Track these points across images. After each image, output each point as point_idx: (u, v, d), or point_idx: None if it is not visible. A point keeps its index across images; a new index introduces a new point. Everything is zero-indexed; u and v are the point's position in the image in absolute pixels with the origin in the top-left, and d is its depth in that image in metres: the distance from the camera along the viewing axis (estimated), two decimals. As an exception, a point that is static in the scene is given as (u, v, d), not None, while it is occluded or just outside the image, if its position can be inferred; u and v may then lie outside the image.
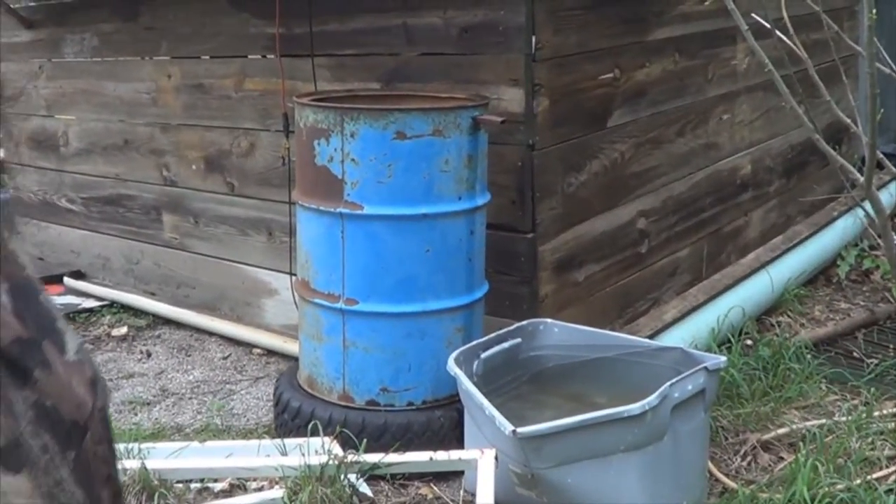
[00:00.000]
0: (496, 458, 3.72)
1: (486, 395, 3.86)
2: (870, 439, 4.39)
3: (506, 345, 4.30)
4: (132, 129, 6.22)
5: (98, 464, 0.99)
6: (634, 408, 3.55)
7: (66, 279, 6.69)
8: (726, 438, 4.55)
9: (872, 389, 4.92)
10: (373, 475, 3.98)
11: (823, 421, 4.60)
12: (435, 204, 4.23)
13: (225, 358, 5.75)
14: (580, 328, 4.42)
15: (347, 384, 4.41)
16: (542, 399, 4.28)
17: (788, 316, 5.99)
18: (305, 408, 4.45)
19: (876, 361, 5.30)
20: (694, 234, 5.75)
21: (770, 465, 4.38)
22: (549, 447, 3.62)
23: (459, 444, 4.16)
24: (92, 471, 0.97)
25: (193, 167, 5.93)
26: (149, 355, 5.80)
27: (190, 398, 5.29)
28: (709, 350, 4.90)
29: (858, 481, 4.04)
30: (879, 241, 4.70)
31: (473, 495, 3.83)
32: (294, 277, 4.87)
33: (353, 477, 3.92)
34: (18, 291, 0.88)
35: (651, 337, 5.00)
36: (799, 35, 4.13)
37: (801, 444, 4.39)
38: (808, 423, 4.60)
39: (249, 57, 5.50)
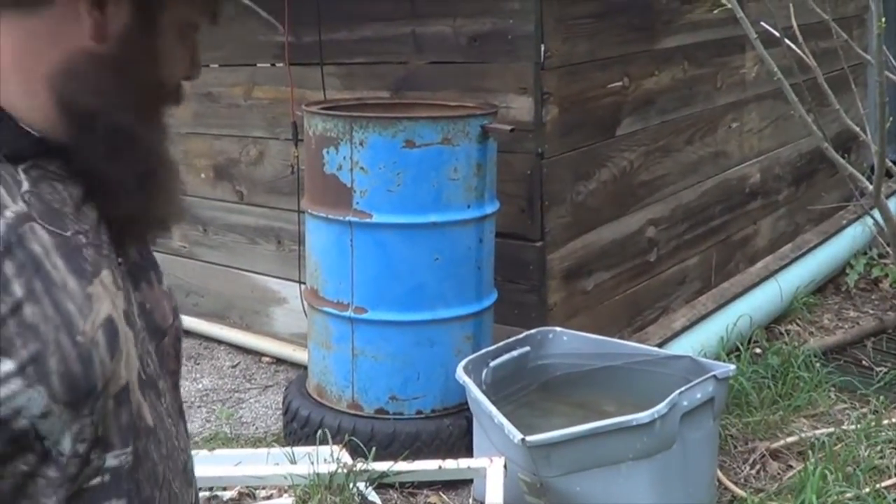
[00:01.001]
0: (505, 467, 3.72)
1: (494, 403, 3.86)
2: (879, 448, 4.39)
3: (515, 353, 4.30)
4: (141, 137, 6.22)
5: (169, 360, 1.48)
6: (643, 416, 3.55)
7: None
8: (735, 447, 4.54)
9: (881, 398, 4.92)
10: (382, 483, 3.98)
11: (832, 429, 4.60)
12: (444, 212, 4.23)
13: (234, 366, 5.75)
14: (589, 336, 4.42)
15: (356, 392, 4.41)
16: (551, 407, 4.28)
17: (797, 324, 5.98)
18: (314, 416, 4.45)
19: (885, 370, 5.30)
20: (703, 242, 5.75)
21: (779, 474, 4.38)
22: (559, 455, 3.62)
23: (468, 452, 4.17)
24: (165, 362, 1.46)
25: (202, 175, 5.94)
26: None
27: (199, 406, 5.30)
28: (717, 358, 4.89)
29: (867, 490, 4.04)
30: (888, 249, 4.69)
31: (482, 504, 3.83)
32: (303, 286, 4.88)
33: (362, 485, 3.93)
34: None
35: (660, 345, 5.00)
36: (808, 43, 4.13)
37: (809, 452, 4.39)
38: (817, 432, 4.60)
39: (258, 65, 5.50)
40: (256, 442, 4.83)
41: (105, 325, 1.23)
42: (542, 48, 4.43)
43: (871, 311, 6.28)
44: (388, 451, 4.22)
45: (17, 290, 1.15)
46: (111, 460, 1.27)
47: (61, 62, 1.26)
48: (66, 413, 1.18)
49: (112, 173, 1.30)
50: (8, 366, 1.13)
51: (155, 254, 1.55)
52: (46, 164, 1.27)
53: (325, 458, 4.03)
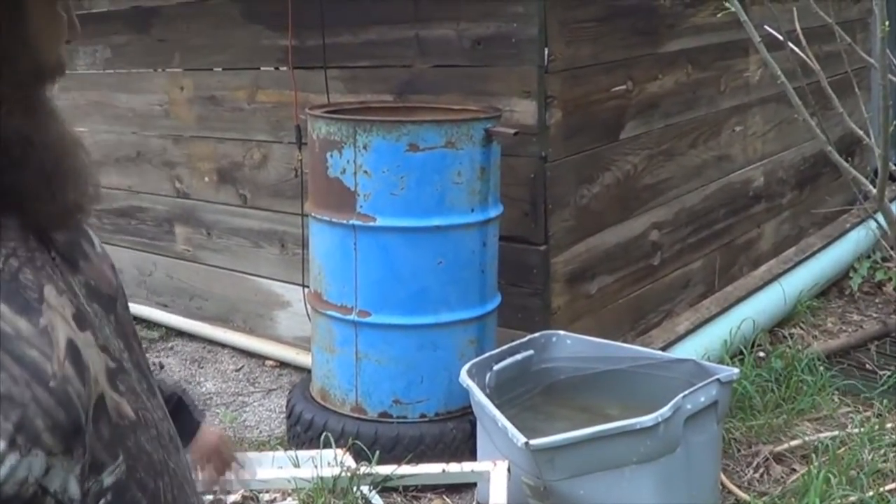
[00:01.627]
0: (509, 470, 3.72)
1: (498, 406, 3.86)
2: (882, 451, 4.39)
3: (518, 357, 4.30)
4: (145, 140, 6.23)
5: (126, 323, 1.44)
6: (647, 420, 3.55)
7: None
8: (739, 450, 4.54)
9: (885, 401, 4.92)
10: (385, 487, 3.98)
11: (836, 433, 4.59)
12: (447, 216, 4.23)
13: (237, 370, 5.75)
14: (592, 340, 4.42)
15: (360, 396, 4.41)
16: (555, 411, 4.28)
17: (801, 328, 5.98)
18: (318, 420, 4.45)
19: (888, 373, 5.29)
20: (706, 246, 5.75)
21: (782, 477, 4.37)
22: (562, 459, 3.62)
23: (472, 455, 4.16)
24: (125, 328, 1.42)
25: (206, 179, 5.94)
26: (161, 367, 5.80)
27: (202, 410, 5.29)
28: (721, 362, 4.89)
29: (871, 493, 4.04)
30: (892, 252, 4.69)
31: (486, 507, 3.83)
32: (307, 289, 4.87)
33: (365, 489, 3.93)
34: None
35: (664, 349, 5.00)
36: (811, 47, 4.13)
37: (813, 455, 4.39)
38: (821, 435, 4.60)
39: (262, 69, 5.51)
40: (260, 445, 4.83)
41: (68, 353, 1.18)
42: (546, 52, 4.43)
43: (874, 315, 6.28)
44: (392, 454, 4.22)
45: None
46: (108, 479, 1.24)
47: None
48: (66, 460, 1.16)
49: (15, 184, 1.23)
50: None
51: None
52: None
53: (329, 462, 4.03)
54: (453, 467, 3.95)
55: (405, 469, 3.95)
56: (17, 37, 1.24)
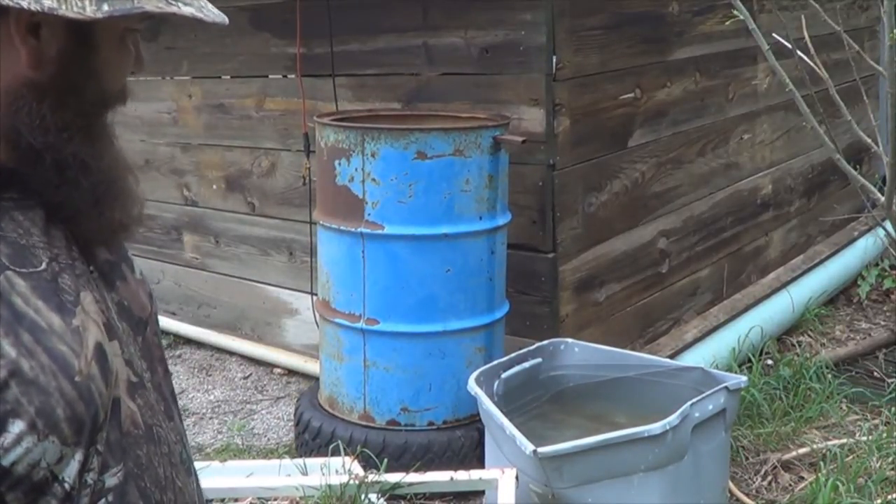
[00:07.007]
0: (517, 478, 3.71)
1: (506, 414, 3.86)
2: (890, 459, 4.38)
3: (526, 364, 4.29)
4: (153, 148, 6.24)
5: (154, 348, 1.49)
6: (655, 427, 3.55)
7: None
8: (747, 458, 4.54)
9: (893, 409, 4.91)
10: (393, 495, 3.98)
11: (844, 440, 4.59)
12: (455, 224, 4.24)
13: (245, 378, 5.76)
14: (601, 348, 4.41)
15: (368, 404, 4.41)
16: (563, 419, 4.28)
17: (809, 335, 5.98)
18: (326, 427, 4.46)
19: (897, 381, 5.29)
20: (714, 253, 5.75)
21: (791, 485, 4.37)
22: (570, 467, 3.62)
23: (480, 463, 4.16)
24: (151, 352, 1.48)
25: (214, 187, 5.95)
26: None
27: (210, 418, 5.30)
28: (729, 370, 4.89)
29: (879, 501, 4.04)
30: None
31: (494, 515, 3.83)
32: (315, 297, 4.88)
33: (373, 497, 3.92)
34: None
35: (671, 356, 4.99)
36: (820, 55, 4.12)
37: (821, 463, 4.39)
38: (829, 443, 4.60)
39: (270, 77, 5.51)
40: (268, 453, 4.84)
41: (96, 354, 1.24)
42: (554, 59, 4.43)
43: (882, 323, 6.27)
44: (400, 462, 4.22)
45: (10, 350, 1.15)
46: (110, 480, 1.28)
47: (2, 95, 1.25)
48: (80, 452, 1.21)
49: (66, 201, 1.30)
50: (19, 426, 1.14)
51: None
52: (2, 194, 1.26)
53: (337, 470, 4.02)
54: (461, 475, 3.94)
55: (413, 477, 3.94)
56: (85, 69, 1.31)
